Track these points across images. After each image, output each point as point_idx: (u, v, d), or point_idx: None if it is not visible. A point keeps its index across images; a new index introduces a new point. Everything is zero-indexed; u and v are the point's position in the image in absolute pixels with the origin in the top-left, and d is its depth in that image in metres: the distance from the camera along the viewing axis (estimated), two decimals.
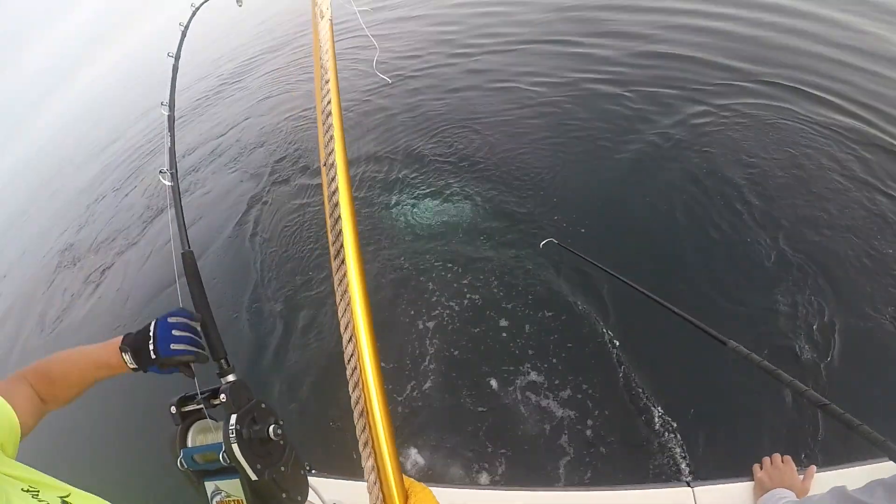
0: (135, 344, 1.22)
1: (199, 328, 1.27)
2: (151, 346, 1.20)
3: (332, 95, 0.73)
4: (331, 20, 0.78)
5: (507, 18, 9.49)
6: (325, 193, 0.69)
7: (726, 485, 1.73)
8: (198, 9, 2.11)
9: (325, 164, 0.70)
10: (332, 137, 0.71)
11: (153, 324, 1.23)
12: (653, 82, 6.30)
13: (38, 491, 1.00)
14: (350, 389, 0.68)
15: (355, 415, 0.68)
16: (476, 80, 7.67)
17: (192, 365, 1.23)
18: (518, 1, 10.02)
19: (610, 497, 1.80)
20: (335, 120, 0.72)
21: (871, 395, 3.18)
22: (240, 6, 2.21)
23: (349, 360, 0.68)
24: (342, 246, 0.67)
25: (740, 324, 3.67)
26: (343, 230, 0.67)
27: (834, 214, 4.24)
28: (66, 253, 9.76)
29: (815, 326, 3.56)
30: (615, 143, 5.56)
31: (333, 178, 0.69)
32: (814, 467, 1.65)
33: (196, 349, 1.23)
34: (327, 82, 0.74)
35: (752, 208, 4.47)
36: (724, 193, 4.65)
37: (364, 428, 0.66)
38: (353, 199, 0.69)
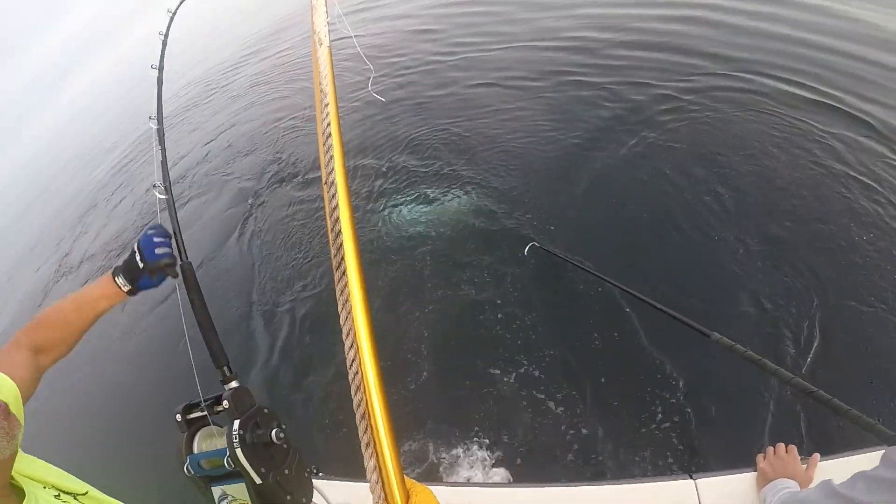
0: (124, 266, 1.36)
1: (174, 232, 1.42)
2: (139, 258, 1.34)
3: (332, 118, 0.77)
4: (329, 47, 0.82)
5: (488, 19, 9.64)
6: (327, 209, 0.73)
7: (729, 476, 1.73)
8: (174, 13, 2.10)
9: (325, 183, 0.74)
10: (332, 157, 0.75)
11: (136, 243, 1.36)
12: (627, 76, 6.42)
13: (59, 493, 1.04)
14: (352, 393, 0.71)
15: (357, 417, 0.71)
16: (458, 81, 7.76)
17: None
18: (498, 1, 10.16)
19: (612, 491, 1.80)
20: (335, 141, 0.75)
21: (855, 383, 3.21)
22: None
23: (351, 365, 0.71)
24: (343, 258, 0.71)
25: (722, 317, 3.71)
26: (344, 243, 0.70)
27: (811, 201, 4.30)
28: (59, 270, 9.65)
29: (797, 316, 3.60)
30: (596, 139, 5.65)
31: (334, 196, 0.72)
32: (817, 455, 1.64)
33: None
34: (327, 105, 0.78)
35: (728, 198, 4.52)
36: (699, 185, 4.71)
37: (366, 430, 0.69)
38: (353, 215, 0.72)
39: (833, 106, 5.13)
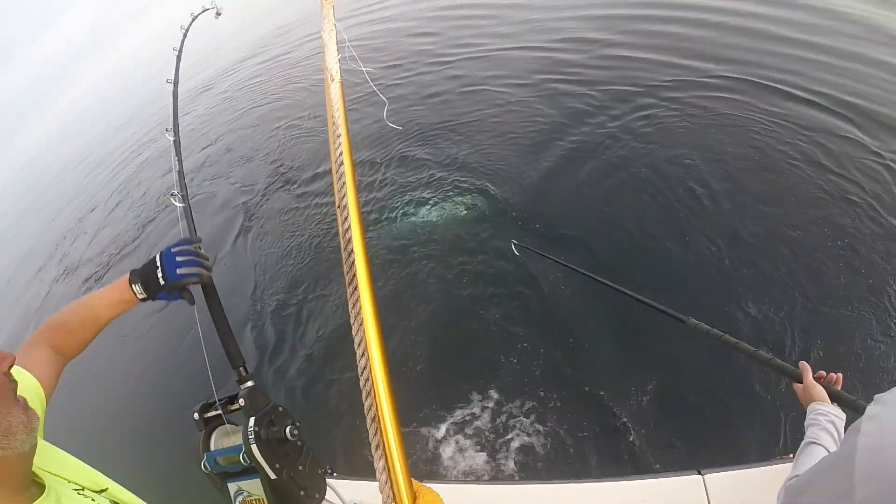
0: (143, 274, 1.30)
1: (200, 250, 1.34)
2: (160, 273, 1.28)
3: (344, 148, 0.81)
4: (341, 83, 0.86)
5: (479, 30, 9.74)
6: (340, 231, 0.77)
7: (736, 471, 1.74)
8: (187, 30, 2.12)
9: (339, 207, 0.78)
10: (344, 184, 0.80)
11: (159, 255, 1.30)
12: (611, 81, 6.56)
13: (83, 487, 1.05)
14: (363, 398, 0.76)
15: (368, 420, 0.75)
16: (451, 86, 7.93)
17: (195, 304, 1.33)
18: (490, 14, 10.24)
19: (622, 487, 1.82)
20: (347, 169, 0.80)
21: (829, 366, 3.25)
22: (217, 18, 2.25)
23: (362, 372, 0.76)
24: (355, 275, 0.75)
25: (702, 310, 3.74)
26: (356, 262, 0.75)
27: (788, 195, 4.38)
28: (59, 272, 9.60)
29: (777, 310, 3.66)
30: (580, 140, 5.77)
31: (346, 218, 0.77)
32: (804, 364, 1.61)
33: (200, 270, 1.31)
34: (339, 136, 0.82)
35: (706, 195, 4.60)
36: (678, 181, 4.81)
37: (376, 433, 0.73)
38: (364, 237, 0.77)
39: (815, 103, 5.21)
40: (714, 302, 3.83)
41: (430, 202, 5.65)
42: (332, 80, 0.85)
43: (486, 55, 8.47)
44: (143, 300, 1.33)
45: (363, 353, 0.75)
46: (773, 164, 4.68)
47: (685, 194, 4.66)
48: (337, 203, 0.79)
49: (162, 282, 1.28)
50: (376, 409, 0.73)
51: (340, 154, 0.81)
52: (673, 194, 4.70)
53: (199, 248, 1.35)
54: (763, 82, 5.67)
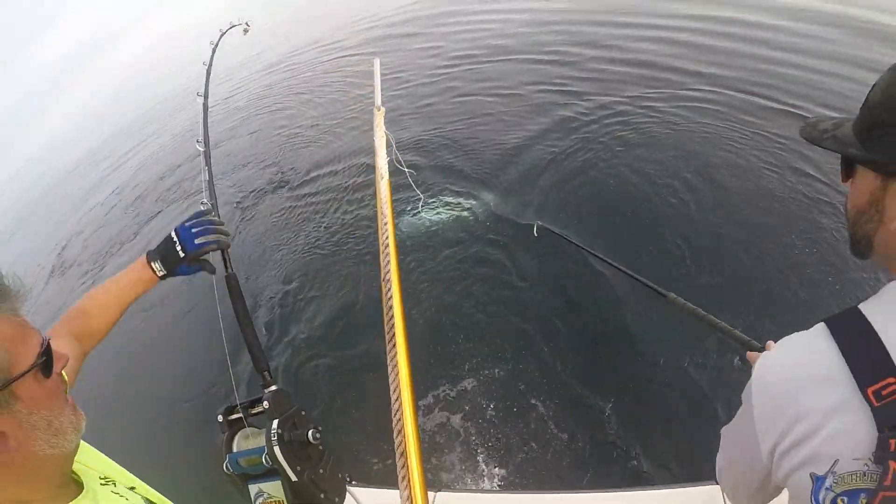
0: (162, 251, 1.31)
1: (213, 217, 1.35)
2: (178, 247, 1.29)
3: (390, 234, 0.93)
4: (389, 181, 0.96)
5: (482, 35, 9.86)
6: (383, 300, 0.88)
7: None
8: (216, 46, 2.09)
9: (383, 280, 0.89)
10: (388, 262, 0.90)
11: (174, 231, 1.31)
12: (605, 89, 6.70)
13: (114, 482, 1.07)
14: (394, 436, 0.87)
15: (396, 455, 0.87)
16: (454, 90, 8.04)
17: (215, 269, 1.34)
18: (496, 19, 10.36)
19: (638, 497, 1.83)
20: (391, 250, 0.91)
21: None
22: (245, 34, 2.25)
23: (395, 414, 0.87)
24: (394, 335, 0.86)
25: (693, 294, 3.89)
26: (395, 328, 0.86)
27: (774, 197, 4.57)
28: (57, 265, 9.44)
29: (750, 306, 3.82)
30: (576, 143, 5.90)
31: (389, 290, 0.88)
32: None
33: (218, 235, 1.32)
34: (385, 224, 0.93)
35: (695, 196, 4.76)
36: (668, 181, 4.98)
37: (403, 466, 0.85)
38: (404, 310, 0.88)
39: (793, 113, 5.38)
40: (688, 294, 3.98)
41: (433, 204, 5.70)
42: (382, 178, 0.95)
43: (488, 62, 8.59)
44: (162, 277, 1.33)
45: (397, 398, 0.86)
46: (752, 168, 4.87)
47: (669, 189, 4.83)
48: (382, 276, 0.90)
49: (182, 254, 1.29)
50: (405, 447, 0.84)
51: (387, 238, 0.92)
52: (657, 187, 4.89)
53: (215, 216, 1.37)
54: (742, 92, 5.85)
